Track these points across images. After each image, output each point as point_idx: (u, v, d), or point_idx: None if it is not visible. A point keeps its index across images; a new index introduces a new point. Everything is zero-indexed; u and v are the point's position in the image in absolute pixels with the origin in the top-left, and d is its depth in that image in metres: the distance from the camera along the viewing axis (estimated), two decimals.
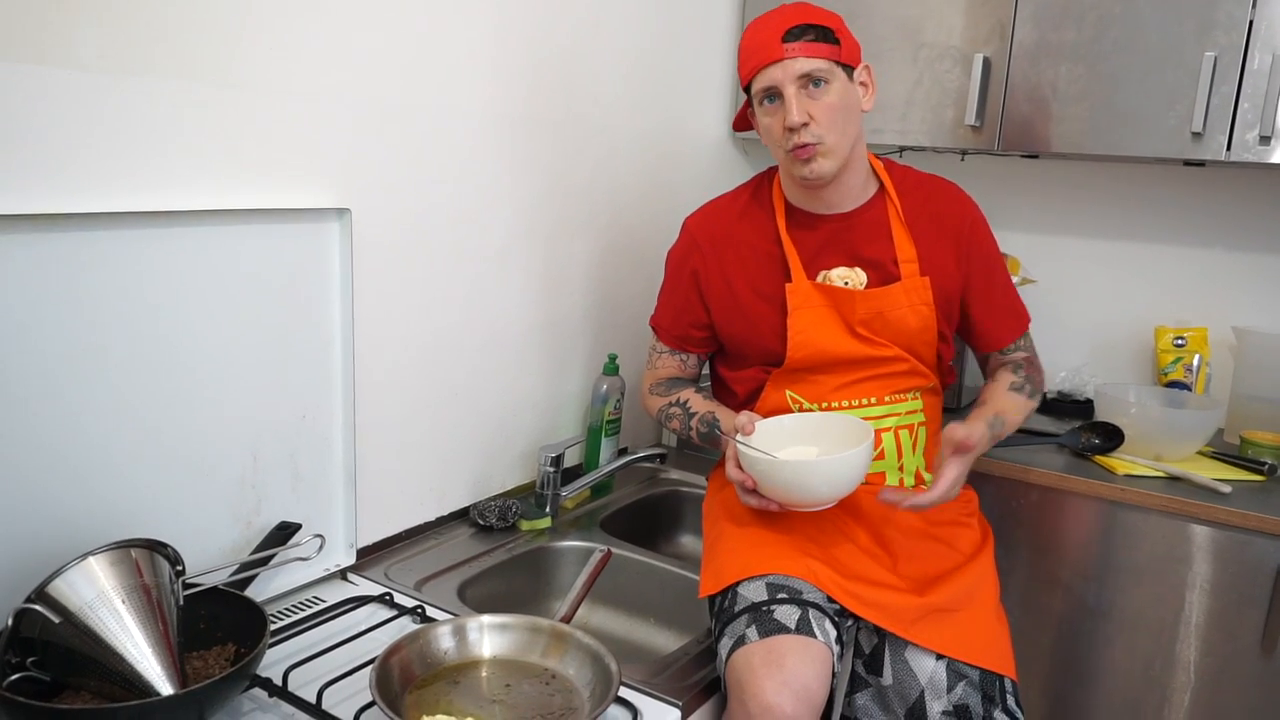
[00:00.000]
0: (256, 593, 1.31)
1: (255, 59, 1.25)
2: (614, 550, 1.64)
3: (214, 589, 1.17)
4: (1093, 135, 1.89)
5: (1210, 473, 1.78)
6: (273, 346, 1.32)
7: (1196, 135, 1.79)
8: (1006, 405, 1.49)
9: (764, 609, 1.27)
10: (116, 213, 1.12)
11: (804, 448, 1.42)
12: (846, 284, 1.48)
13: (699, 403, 1.58)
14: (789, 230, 1.51)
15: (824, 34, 1.38)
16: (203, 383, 1.24)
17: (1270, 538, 1.63)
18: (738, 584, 1.33)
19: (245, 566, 1.25)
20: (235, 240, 1.25)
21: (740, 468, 1.37)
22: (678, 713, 1.19)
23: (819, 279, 1.49)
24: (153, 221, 1.16)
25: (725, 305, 1.54)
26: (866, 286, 1.48)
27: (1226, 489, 1.71)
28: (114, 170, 1.13)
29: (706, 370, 1.70)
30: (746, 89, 1.46)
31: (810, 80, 1.37)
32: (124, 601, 1.03)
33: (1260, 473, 1.80)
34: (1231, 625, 1.69)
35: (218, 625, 1.15)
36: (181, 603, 1.09)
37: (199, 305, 1.22)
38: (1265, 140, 1.74)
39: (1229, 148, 1.77)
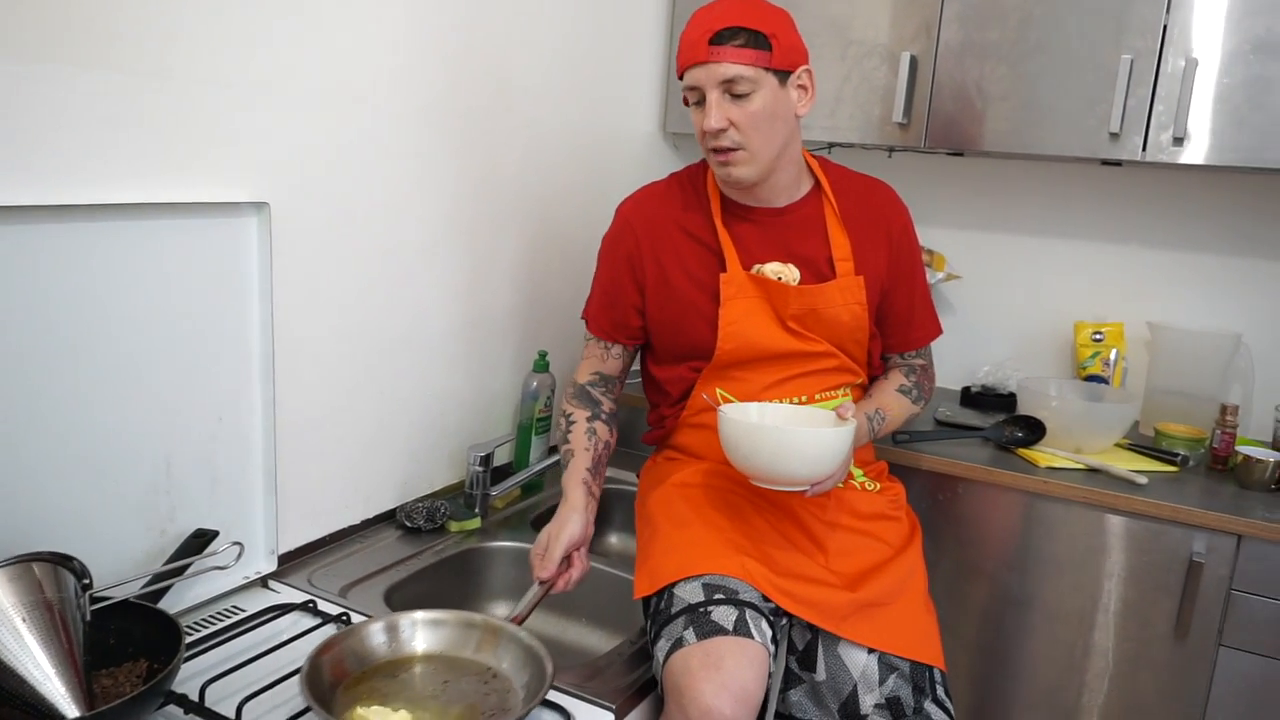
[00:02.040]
0: (171, 604, 1.26)
1: (169, 48, 1.19)
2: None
3: (124, 602, 1.11)
4: (1015, 134, 1.93)
5: (1127, 464, 1.83)
6: (188, 346, 1.26)
7: (1114, 136, 1.83)
8: (891, 403, 1.54)
9: (701, 610, 1.26)
10: (18, 206, 1.06)
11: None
12: (780, 279, 1.47)
13: (577, 436, 1.51)
14: (724, 221, 1.50)
15: (755, 39, 1.34)
16: (112, 384, 1.18)
17: (1183, 527, 1.68)
18: (673, 585, 1.32)
19: (158, 578, 1.19)
20: (148, 236, 1.19)
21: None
22: (611, 716, 1.18)
23: (754, 270, 1.48)
24: (59, 216, 1.09)
25: (658, 290, 1.52)
26: (799, 283, 1.48)
27: (1143, 480, 1.76)
28: (15, 162, 1.06)
29: (637, 367, 1.68)
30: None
31: (733, 87, 1.35)
32: (24, 620, 0.97)
33: (1174, 464, 1.86)
34: (1147, 613, 1.74)
35: (129, 640, 1.10)
36: (89, 618, 1.03)
37: (109, 303, 1.16)
38: (1178, 142, 1.79)
39: (1144, 148, 1.82)
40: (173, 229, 1.22)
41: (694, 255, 1.51)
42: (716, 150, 1.39)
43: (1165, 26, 1.77)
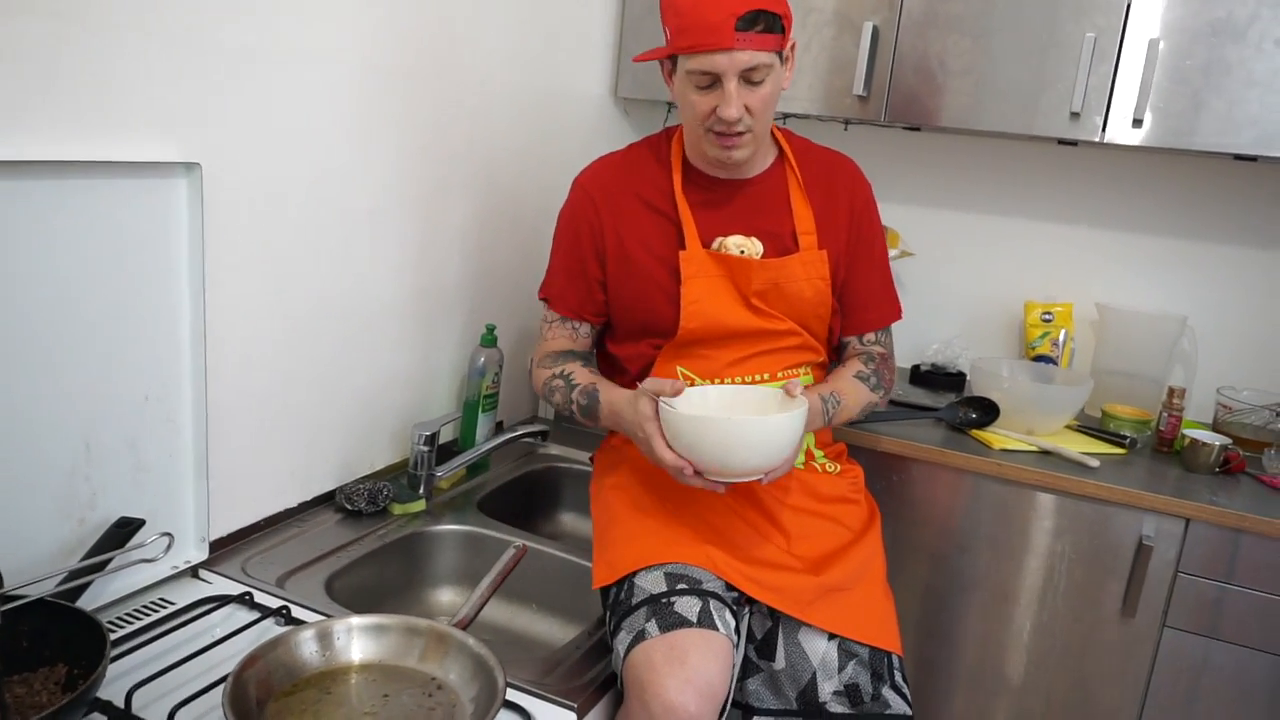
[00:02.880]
0: (93, 598, 1.17)
1: None
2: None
3: (39, 601, 1.01)
4: (977, 111, 1.90)
5: (1078, 446, 1.83)
6: (109, 318, 1.15)
7: (1075, 115, 1.81)
8: (846, 389, 1.46)
9: (664, 601, 1.22)
10: None
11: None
12: (743, 252, 1.42)
13: (582, 375, 1.45)
14: (685, 192, 1.44)
15: (774, 23, 1.28)
16: (24, 359, 1.07)
17: (1131, 509, 1.69)
18: (634, 574, 1.26)
19: (77, 574, 1.09)
20: (66, 197, 1.08)
21: (670, 447, 1.23)
22: (573, 715, 1.12)
23: (715, 245, 1.43)
24: None
25: (619, 265, 1.46)
26: (763, 256, 1.43)
27: (1095, 463, 1.76)
28: None
29: None
30: (672, 55, 1.34)
31: (753, 75, 1.29)
32: None
33: (1122, 446, 1.87)
34: (1095, 593, 1.75)
35: (44, 643, 1.00)
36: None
37: (22, 270, 1.05)
38: (1138, 123, 1.78)
39: (1104, 129, 1.80)
40: (94, 189, 1.11)
41: (655, 228, 1.44)
42: (723, 134, 1.33)
43: (1129, 6, 1.75)
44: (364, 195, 1.54)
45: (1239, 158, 1.87)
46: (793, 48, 1.36)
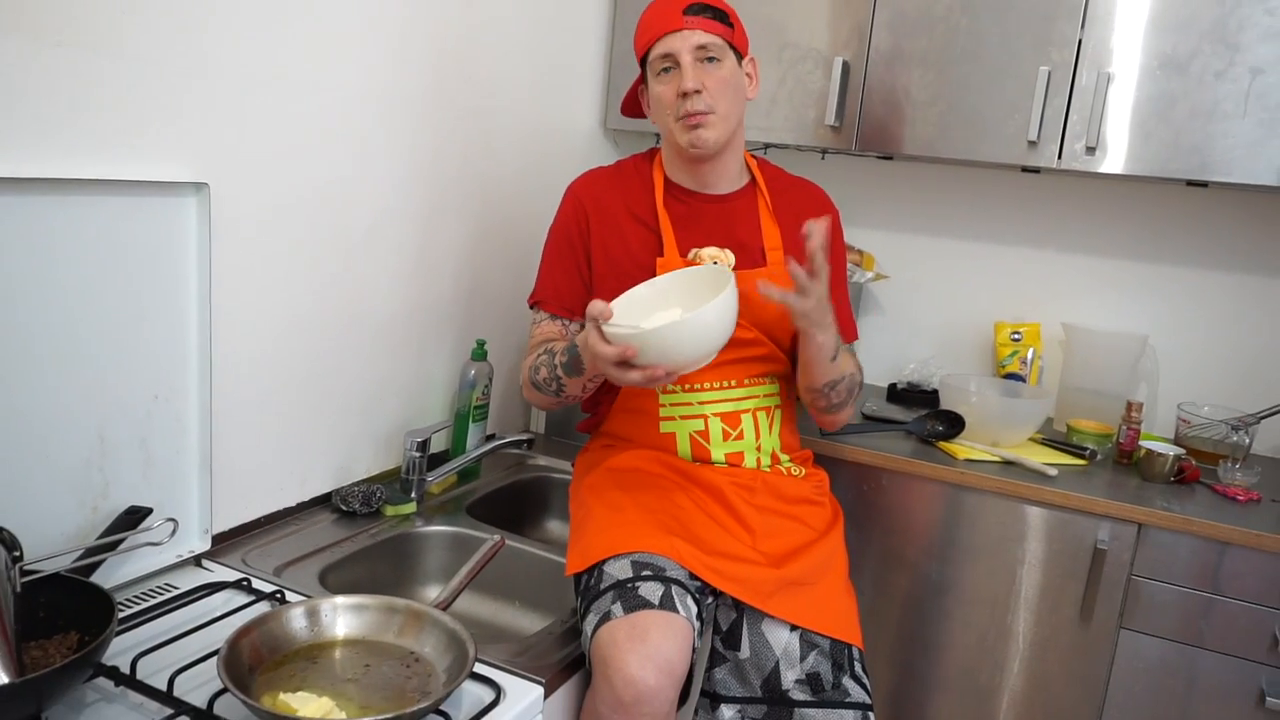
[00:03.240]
0: (103, 581, 1.25)
1: (112, 22, 1.19)
2: (477, 535, 1.66)
3: (55, 575, 1.11)
4: (941, 139, 2.01)
5: (1040, 457, 1.92)
6: (123, 324, 1.26)
7: (1032, 143, 1.92)
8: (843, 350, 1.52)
9: (629, 586, 1.31)
10: None
11: (667, 312, 1.37)
12: (716, 263, 1.53)
13: (561, 344, 1.50)
14: (665, 205, 1.56)
15: (720, 15, 1.48)
16: (45, 360, 1.18)
17: (1090, 516, 1.78)
18: (603, 562, 1.36)
19: (90, 552, 1.19)
20: (85, 212, 1.19)
21: (608, 343, 1.27)
22: (540, 689, 1.21)
23: (690, 255, 1.54)
24: None
25: (602, 268, 1.57)
26: (734, 268, 1.54)
27: (1053, 472, 1.85)
28: None
29: None
30: (642, 61, 1.53)
31: (706, 54, 1.46)
32: None
33: (1083, 457, 1.96)
34: (1056, 598, 1.83)
35: (59, 614, 1.10)
36: (19, 589, 1.03)
37: (42, 279, 1.16)
38: (1091, 151, 1.89)
39: (1060, 156, 1.91)
40: (111, 206, 1.22)
41: (636, 236, 1.56)
42: (689, 115, 1.47)
43: (1080, 41, 1.87)
44: (364, 214, 1.66)
45: (1191, 183, 1.98)
46: (752, 61, 1.55)
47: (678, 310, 1.37)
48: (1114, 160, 1.88)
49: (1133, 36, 1.84)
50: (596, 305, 1.27)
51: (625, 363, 1.25)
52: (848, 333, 1.66)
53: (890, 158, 2.29)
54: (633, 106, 1.63)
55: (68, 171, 1.18)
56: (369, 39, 1.61)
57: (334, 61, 1.55)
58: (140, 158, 1.27)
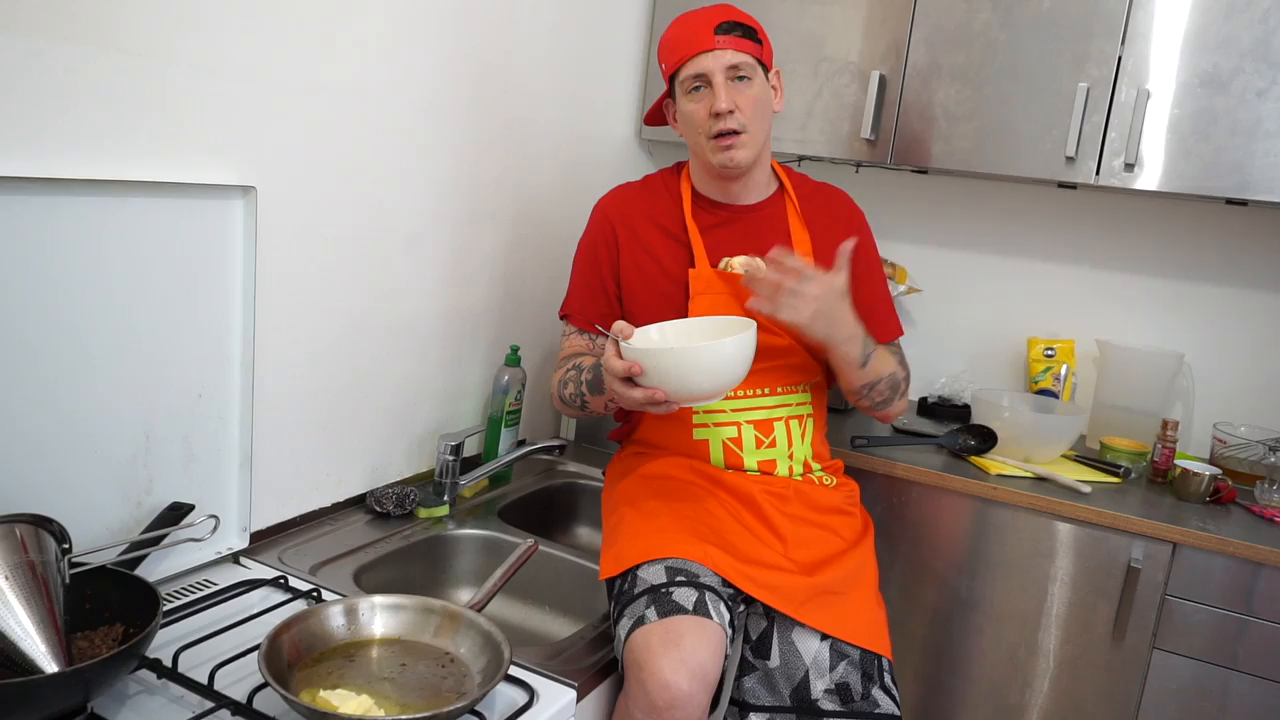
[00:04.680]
0: (147, 574, 1.28)
1: (167, 29, 1.22)
2: (509, 539, 1.67)
3: (101, 569, 1.14)
4: (977, 154, 2.01)
5: (1073, 474, 1.91)
6: (169, 324, 1.29)
7: (1070, 159, 1.92)
8: (879, 349, 1.54)
9: (663, 591, 1.31)
10: (10, 177, 1.08)
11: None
12: (747, 270, 1.54)
13: (589, 360, 1.53)
14: (694, 217, 1.58)
15: (749, 32, 1.49)
16: (94, 357, 1.21)
17: (1123, 534, 1.76)
18: (637, 567, 1.37)
19: (135, 546, 1.22)
20: (134, 213, 1.22)
21: (620, 357, 1.32)
22: (573, 693, 1.22)
23: (721, 265, 1.55)
24: (46, 189, 1.12)
25: (631, 279, 1.59)
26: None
27: (1087, 489, 1.84)
28: (9, 134, 1.09)
29: None
30: (670, 79, 1.53)
31: (737, 72, 1.47)
32: (7, 578, 0.99)
33: (1116, 475, 1.95)
34: (1087, 616, 1.82)
35: (105, 605, 1.12)
36: (68, 581, 1.06)
37: (93, 278, 1.19)
38: (1129, 168, 1.88)
39: (1098, 172, 1.91)
40: (161, 208, 1.25)
41: (666, 249, 1.58)
42: (722, 135, 1.48)
43: (1120, 58, 1.87)
44: (405, 220, 1.69)
45: (1230, 202, 1.96)
46: (778, 74, 1.56)
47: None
48: (1151, 177, 1.87)
49: (1172, 54, 1.83)
50: (619, 324, 1.33)
51: (629, 380, 1.30)
52: (889, 331, 1.66)
53: (925, 171, 2.29)
54: (656, 118, 1.64)
55: (118, 174, 1.21)
56: (414, 49, 1.63)
57: (380, 70, 1.57)
58: (189, 161, 1.30)
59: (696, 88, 1.49)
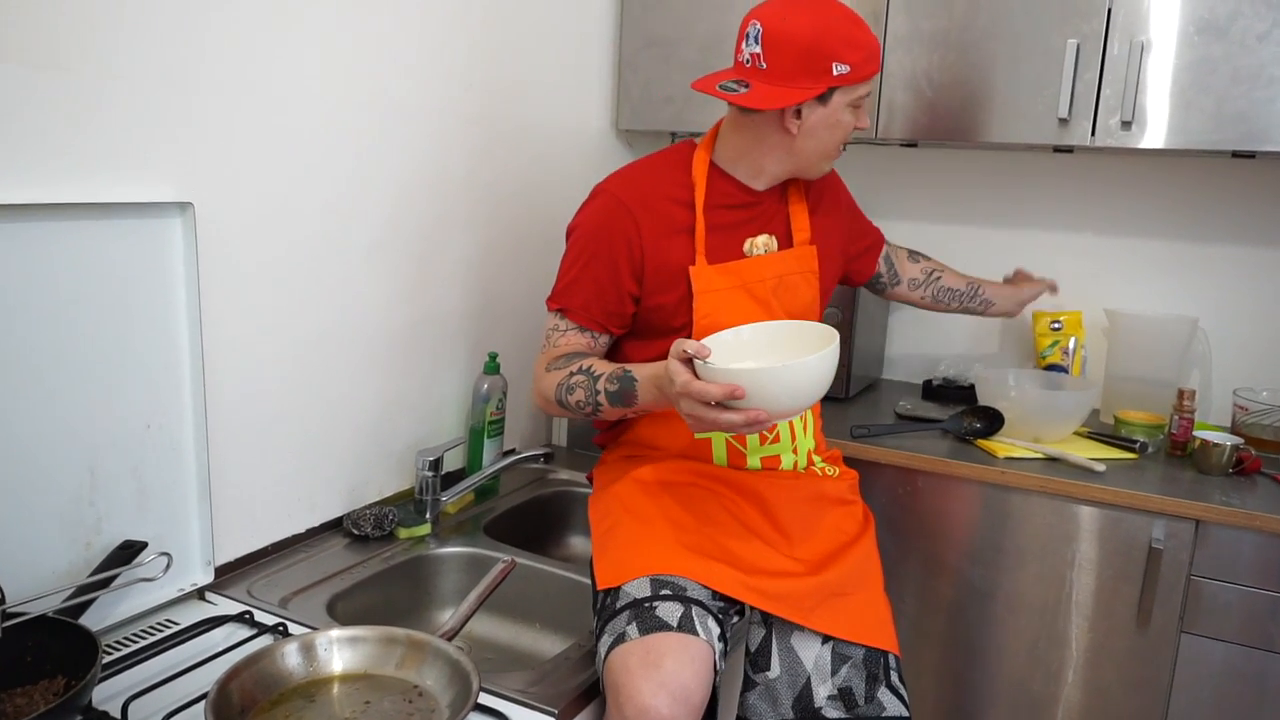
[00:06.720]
0: (102, 619, 1.22)
1: (86, 39, 1.15)
2: (494, 555, 1.59)
3: (41, 617, 1.06)
4: (966, 123, 1.92)
5: (1086, 452, 1.81)
6: (109, 352, 1.22)
7: (1063, 121, 1.82)
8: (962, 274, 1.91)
9: (646, 605, 1.24)
10: None
11: (759, 360, 1.27)
12: (766, 250, 1.49)
13: (603, 365, 1.38)
14: (706, 210, 1.45)
15: None
16: (31, 391, 1.14)
17: (1142, 514, 1.67)
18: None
19: (81, 590, 1.15)
20: (66, 237, 1.15)
21: (699, 380, 1.17)
22: None
23: (745, 247, 1.47)
24: None
25: (658, 274, 1.43)
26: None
27: (1101, 468, 1.74)
28: None
29: None
30: (831, 82, 1.38)
31: None
32: None
33: (1133, 450, 1.85)
34: (1109, 601, 1.72)
35: (46, 657, 1.05)
36: (0, 635, 0.99)
37: (23, 307, 1.12)
38: (1126, 125, 1.78)
39: (1093, 133, 1.81)
40: (92, 230, 1.18)
41: (689, 237, 1.45)
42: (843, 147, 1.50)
43: (1110, 9, 1.77)
44: (365, 227, 1.61)
45: (1237, 155, 1.86)
46: None
47: (775, 357, 1.28)
48: (1153, 134, 1.77)
49: (1166, 1, 1.73)
50: (692, 344, 1.18)
51: (723, 404, 1.17)
52: (877, 240, 1.81)
53: (914, 145, 2.20)
54: (772, 101, 1.41)
55: (43, 197, 1.13)
56: (361, 47, 1.55)
57: (325, 72, 1.49)
58: (120, 179, 1.22)
59: (858, 105, 1.44)
